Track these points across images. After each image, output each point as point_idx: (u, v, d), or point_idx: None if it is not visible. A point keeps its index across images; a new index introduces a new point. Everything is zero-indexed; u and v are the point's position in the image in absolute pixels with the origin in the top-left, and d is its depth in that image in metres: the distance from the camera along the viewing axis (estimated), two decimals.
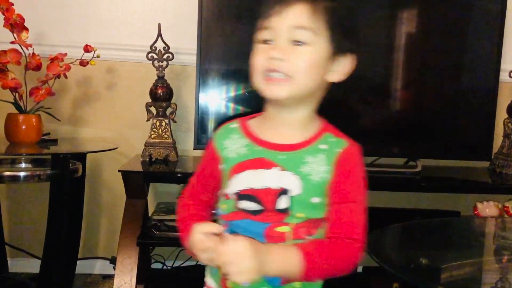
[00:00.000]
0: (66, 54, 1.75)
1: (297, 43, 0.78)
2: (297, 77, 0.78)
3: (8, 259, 1.96)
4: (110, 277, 2.03)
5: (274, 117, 0.84)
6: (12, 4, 1.64)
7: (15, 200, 2.06)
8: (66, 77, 1.77)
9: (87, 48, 1.77)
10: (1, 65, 1.64)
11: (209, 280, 0.89)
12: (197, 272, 2.14)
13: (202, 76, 1.82)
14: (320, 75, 0.81)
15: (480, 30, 1.92)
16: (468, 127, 1.96)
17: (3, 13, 1.63)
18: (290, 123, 0.83)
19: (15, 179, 1.63)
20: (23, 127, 1.71)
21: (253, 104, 1.83)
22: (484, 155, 1.95)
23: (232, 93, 1.84)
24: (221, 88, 1.85)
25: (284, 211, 0.80)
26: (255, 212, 0.81)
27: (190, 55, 1.92)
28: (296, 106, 0.82)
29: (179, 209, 0.93)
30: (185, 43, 1.96)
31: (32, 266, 1.98)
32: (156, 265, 2.09)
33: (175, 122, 1.94)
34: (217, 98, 1.85)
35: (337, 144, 0.82)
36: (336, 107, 1.91)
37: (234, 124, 0.88)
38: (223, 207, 0.86)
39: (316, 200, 0.80)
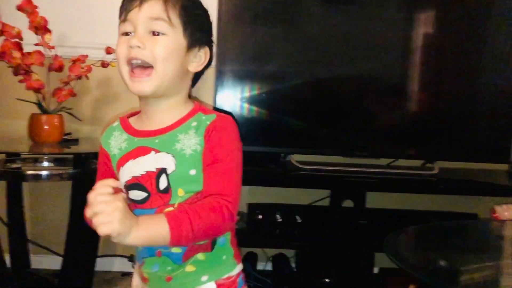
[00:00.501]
0: (87, 56, 1.79)
1: (155, 33, 0.83)
2: (157, 66, 0.83)
3: (30, 255, 2.00)
4: (129, 274, 2.06)
5: (147, 109, 0.90)
6: (36, 7, 1.68)
7: (38, 198, 2.11)
8: (87, 78, 1.80)
9: (108, 50, 1.80)
10: (25, 66, 1.68)
11: (135, 277, 0.98)
12: None
13: (220, 77, 1.84)
14: (179, 64, 0.86)
15: (499, 31, 1.91)
16: (487, 129, 1.94)
17: (28, 16, 1.67)
18: (162, 110, 0.88)
19: (38, 177, 1.67)
20: (46, 127, 1.75)
21: (270, 104, 1.85)
22: (502, 158, 1.93)
23: (249, 94, 1.86)
24: (238, 89, 1.86)
25: (166, 191, 0.84)
26: (142, 201, 0.86)
27: None
28: (164, 95, 0.87)
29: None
30: None
31: (54, 262, 2.02)
32: None
33: None
34: (234, 99, 1.86)
35: (207, 118, 0.87)
36: (353, 108, 1.93)
37: (116, 123, 0.95)
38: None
39: (193, 172, 0.84)
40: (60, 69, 1.77)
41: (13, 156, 1.82)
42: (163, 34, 0.83)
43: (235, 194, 0.83)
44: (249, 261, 1.96)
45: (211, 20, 0.93)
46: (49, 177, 1.65)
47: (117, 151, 0.90)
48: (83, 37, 2.01)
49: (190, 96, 0.93)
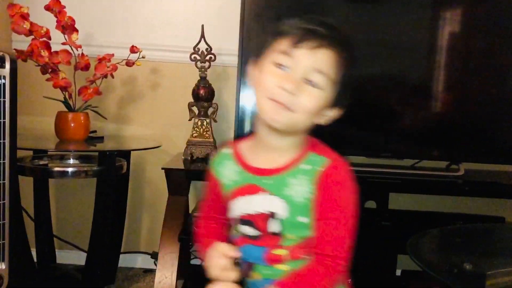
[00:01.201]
0: (113, 55, 1.81)
1: (310, 82, 0.79)
2: (298, 113, 0.79)
3: (56, 250, 2.04)
4: (151, 271, 2.09)
5: (264, 142, 0.86)
6: (64, 7, 1.71)
7: (63, 194, 2.15)
8: (112, 77, 1.83)
9: (133, 49, 1.83)
10: (53, 65, 1.71)
11: None
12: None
13: (243, 77, 1.84)
14: (316, 116, 0.83)
15: None
16: None
17: (55, 16, 1.71)
18: (278, 148, 0.85)
19: (64, 174, 1.70)
20: (72, 124, 1.78)
21: None
22: None
23: None
24: None
25: (277, 234, 0.84)
26: (254, 237, 0.86)
27: (232, 56, 1.94)
28: (287, 135, 0.84)
29: (198, 227, 0.97)
30: (226, 44, 1.99)
31: (78, 258, 2.06)
32: (196, 261, 2.13)
33: (216, 121, 1.98)
34: None
35: (319, 162, 0.82)
36: (376, 108, 1.90)
37: (227, 150, 0.92)
38: (234, 232, 0.91)
39: (304, 220, 0.82)
40: (86, 68, 1.80)
41: (40, 153, 1.86)
42: (319, 87, 0.79)
43: (348, 254, 0.82)
44: None
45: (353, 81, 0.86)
46: (74, 174, 1.68)
47: (229, 182, 0.89)
48: (108, 37, 2.05)
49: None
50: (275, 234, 0.84)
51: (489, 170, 2.04)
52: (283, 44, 0.80)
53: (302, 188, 0.81)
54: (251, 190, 0.85)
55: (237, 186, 0.87)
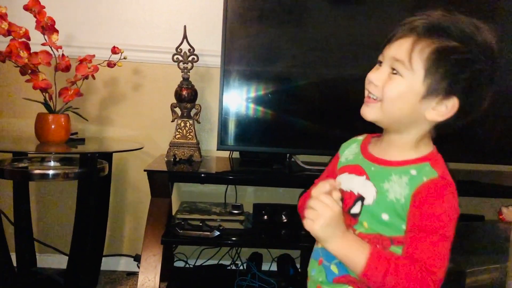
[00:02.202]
0: (94, 56, 1.79)
1: (394, 71, 0.83)
2: (383, 102, 0.83)
3: (36, 254, 2.01)
4: (134, 274, 2.07)
5: (384, 137, 0.91)
6: (44, 7, 1.69)
7: (44, 197, 2.12)
8: (94, 78, 1.81)
9: (114, 50, 1.81)
10: (32, 66, 1.69)
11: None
12: (219, 271, 2.16)
13: (226, 78, 1.84)
14: (408, 107, 0.82)
15: (507, 32, 1.89)
16: (493, 130, 1.93)
17: (35, 16, 1.68)
18: (391, 143, 0.88)
19: (44, 176, 1.67)
20: (52, 126, 1.75)
21: (275, 105, 1.85)
22: (509, 159, 1.92)
23: (255, 94, 1.86)
24: (244, 90, 1.86)
25: (355, 217, 0.86)
26: None
27: (214, 57, 1.94)
28: (393, 131, 0.87)
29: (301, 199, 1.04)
30: (209, 45, 1.99)
31: (60, 261, 2.04)
32: (179, 263, 2.12)
33: (199, 123, 1.97)
34: (240, 99, 1.86)
35: (427, 173, 0.82)
36: (359, 109, 1.92)
37: (361, 137, 0.99)
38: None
39: (385, 216, 0.83)
40: (67, 69, 1.78)
41: (20, 155, 1.83)
42: (400, 75, 0.82)
43: (443, 271, 0.78)
44: (254, 262, 1.96)
45: (476, 67, 0.80)
46: (55, 176, 1.65)
47: (344, 160, 0.96)
48: (89, 37, 2.02)
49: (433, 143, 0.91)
50: (353, 216, 0.86)
51: (469, 169, 2.07)
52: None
53: (399, 189, 0.82)
54: (356, 170, 0.89)
55: (347, 164, 0.93)
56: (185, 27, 1.88)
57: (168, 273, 1.92)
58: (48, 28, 1.70)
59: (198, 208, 1.87)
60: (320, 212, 0.79)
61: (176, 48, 1.88)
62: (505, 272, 1.10)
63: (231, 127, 1.86)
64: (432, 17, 0.86)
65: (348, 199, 0.88)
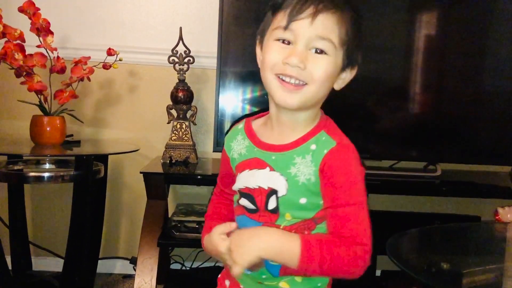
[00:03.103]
0: (89, 58, 1.79)
1: (317, 51, 0.77)
2: (311, 85, 0.78)
3: (32, 257, 2.00)
4: (130, 276, 2.06)
5: (277, 119, 0.85)
6: (39, 9, 1.68)
7: (39, 200, 2.11)
8: (89, 80, 1.80)
9: (110, 52, 1.80)
10: (27, 68, 1.68)
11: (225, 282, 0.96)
12: (216, 273, 2.15)
13: (222, 79, 1.84)
14: (331, 84, 0.82)
15: (501, 32, 1.90)
16: (489, 130, 1.94)
17: (30, 18, 1.67)
18: (291, 125, 0.84)
19: (40, 179, 1.67)
20: (48, 128, 1.74)
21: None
22: (505, 159, 1.93)
23: (251, 96, 1.86)
24: (240, 91, 1.86)
25: (274, 212, 0.82)
26: (251, 210, 0.85)
27: (210, 58, 1.94)
28: (300, 110, 0.82)
29: (209, 204, 1.00)
30: (205, 46, 1.99)
31: (55, 264, 2.03)
32: (175, 266, 2.11)
33: (195, 124, 1.97)
34: (236, 101, 1.86)
35: (326, 144, 0.80)
36: (355, 110, 1.92)
37: (241, 125, 0.92)
38: (234, 200, 0.92)
39: (303, 200, 0.81)
40: (62, 71, 1.77)
41: (15, 158, 1.82)
42: (325, 54, 0.77)
43: (370, 238, 0.77)
44: None
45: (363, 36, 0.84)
46: (50, 179, 1.64)
47: (237, 156, 0.89)
48: (85, 39, 2.02)
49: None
50: (272, 212, 0.82)
51: (465, 170, 2.08)
52: (281, 18, 0.78)
53: (305, 169, 0.80)
54: (256, 164, 0.84)
55: (243, 159, 0.87)
56: (181, 28, 1.88)
57: (164, 275, 1.92)
58: (43, 30, 1.70)
59: (195, 210, 1.87)
60: (233, 259, 0.77)
61: (172, 50, 1.88)
62: (502, 273, 1.11)
63: (227, 129, 1.86)
64: None
65: (259, 196, 0.83)
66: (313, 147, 0.80)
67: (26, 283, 1.92)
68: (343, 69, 0.82)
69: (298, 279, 0.84)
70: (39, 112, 1.76)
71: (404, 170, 1.93)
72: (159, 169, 1.77)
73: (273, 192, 0.82)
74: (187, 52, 1.88)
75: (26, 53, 1.68)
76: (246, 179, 0.85)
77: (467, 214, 1.97)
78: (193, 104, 1.93)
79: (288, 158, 0.81)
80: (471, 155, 1.94)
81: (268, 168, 0.82)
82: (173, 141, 1.90)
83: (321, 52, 0.77)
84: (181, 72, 1.89)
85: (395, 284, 1.88)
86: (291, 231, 0.81)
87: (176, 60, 1.88)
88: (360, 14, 0.82)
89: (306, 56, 0.77)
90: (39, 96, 1.74)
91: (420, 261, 1.14)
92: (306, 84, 0.78)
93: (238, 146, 0.89)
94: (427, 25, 1.90)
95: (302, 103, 0.79)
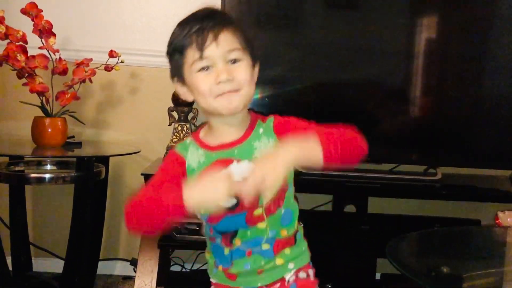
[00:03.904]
0: (91, 59, 1.79)
1: (233, 61, 0.88)
2: (243, 89, 0.88)
3: (32, 258, 2.00)
4: (130, 278, 2.06)
5: (219, 125, 0.93)
6: (41, 11, 1.69)
7: (40, 201, 2.11)
8: (91, 81, 1.81)
9: (111, 54, 1.81)
10: (29, 69, 1.69)
11: (214, 280, 1.02)
12: None
13: None
14: (254, 82, 0.93)
15: (503, 36, 1.90)
16: (490, 134, 1.94)
17: (32, 19, 1.68)
18: (234, 124, 0.93)
19: (41, 180, 1.68)
20: (49, 130, 1.75)
21: (272, 109, 1.85)
22: (506, 163, 1.93)
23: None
24: None
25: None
26: (232, 207, 0.86)
27: None
28: (244, 109, 0.92)
29: (142, 198, 0.87)
30: None
31: (55, 265, 2.03)
32: (175, 268, 2.11)
33: (196, 126, 1.97)
34: None
35: (268, 122, 0.94)
36: (355, 113, 1.92)
37: (188, 140, 0.97)
38: (201, 212, 0.91)
39: None
40: (64, 72, 1.77)
41: (16, 159, 1.83)
42: (239, 60, 0.89)
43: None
44: None
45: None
46: (51, 180, 1.65)
47: (196, 165, 0.92)
48: (87, 41, 2.02)
49: None
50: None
51: (466, 174, 2.08)
52: (192, 54, 0.88)
53: (266, 146, 0.90)
54: (222, 164, 0.87)
55: (205, 166, 0.91)
56: None
57: (164, 277, 1.91)
58: (45, 31, 1.70)
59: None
60: (266, 183, 0.79)
61: None
62: (502, 277, 1.11)
63: None
64: (210, 12, 0.92)
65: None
66: (261, 130, 0.93)
67: (26, 284, 1.92)
68: (253, 66, 0.93)
69: (287, 251, 0.95)
70: (40, 114, 1.77)
71: (404, 173, 1.93)
72: None
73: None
74: None
75: (28, 54, 1.69)
76: None
77: (467, 218, 1.97)
78: (194, 106, 1.93)
79: (248, 147, 0.91)
80: (472, 159, 1.94)
81: (235, 162, 0.85)
82: (174, 143, 1.90)
83: (235, 61, 0.89)
84: None
85: (395, 287, 1.88)
86: (271, 206, 0.91)
87: None
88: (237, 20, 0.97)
89: (228, 69, 0.87)
90: (41, 97, 1.75)
91: (420, 264, 1.14)
92: (239, 89, 0.88)
93: (193, 156, 0.93)
94: (427, 29, 1.90)
95: (243, 104, 0.90)
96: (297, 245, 0.98)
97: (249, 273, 0.94)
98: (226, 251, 0.95)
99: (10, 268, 1.83)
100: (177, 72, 0.93)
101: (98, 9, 2.05)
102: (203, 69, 0.88)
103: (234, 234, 0.93)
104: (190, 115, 1.94)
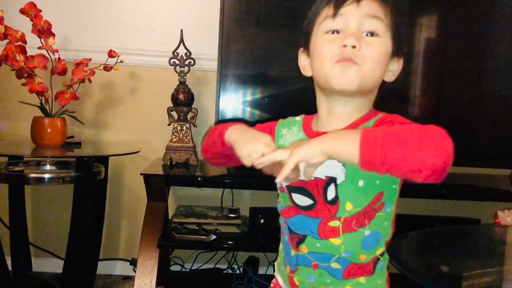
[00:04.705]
0: (90, 59, 1.79)
1: (369, 33, 0.78)
2: (364, 65, 0.76)
3: (32, 258, 2.00)
4: (130, 278, 2.07)
5: (332, 107, 0.83)
6: (40, 11, 1.69)
7: (40, 201, 2.11)
8: (90, 81, 1.81)
9: (111, 54, 1.81)
10: (28, 69, 1.68)
11: (278, 277, 0.93)
12: (215, 275, 2.16)
13: (223, 82, 1.84)
14: (383, 70, 0.81)
15: (502, 35, 1.90)
16: (489, 134, 1.94)
17: (31, 20, 1.68)
18: (346, 112, 0.82)
19: (40, 180, 1.67)
20: (49, 130, 1.75)
21: (272, 108, 1.85)
22: (505, 163, 1.93)
23: (251, 98, 1.86)
24: (241, 93, 1.87)
25: (334, 203, 0.79)
26: (307, 208, 0.82)
27: (211, 60, 1.94)
28: (355, 96, 0.80)
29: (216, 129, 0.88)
30: (206, 48, 1.99)
31: (55, 266, 2.03)
32: (175, 267, 2.11)
33: (196, 126, 1.97)
34: (236, 103, 1.87)
35: (374, 119, 0.81)
36: None
37: (299, 118, 0.90)
38: (280, 201, 0.88)
39: (361, 183, 0.78)
40: (63, 72, 1.77)
41: (15, 159, 1.83)
42: (377, 35, 0.78)
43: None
44: (250, 265, 1.96)
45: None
46: (51, 180, 1.65)
47: (285, 143, 0.86)
48: (86, 41, 2.02)
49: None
50: (332, 203, 0.79)
51: (465, 173, 2.08)
52: (324, 12, 0.80)
53: None
54: None
55: None
56: (181, 31, 1.88)
57: (164, 277, 1.92)
58: (44, 31, 1.70)
59: (195, 212, 1.87)
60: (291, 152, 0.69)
61: (173, 52, 1.88)
62: (501, 276, 1.11)
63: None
64: None
65: (315, 187, 0.80)
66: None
67: (26, 284, 1.92)
68: (392, 56, 0.81)
69: (362, 280, 0.82)
70: (40, 114, 1.77)
71: None
72: (160, 171, 1.77)
73: (331, 180, 0.79)
74: (188, 54, 1.88)
75: (28, 54, 1.68)
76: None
77: (466, 217, 1.97)
78: (193, 106, 1.93)
79: None
80: (471, 158, 1.94)
81: None
82: (173, 143, 1.90)
83: (372, 34, 0.78)
84: (182, 74, 1.90)
85: (397, 286, 1.88)
86: (352, 222, 0.79)
87: (177, 62, 1.89)
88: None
89: (359, 38, 0.77)
90: (40, 97, 1.75)
91: (420, 264, 1.14)
92: (361, 64, 0.77)
93: (290, 136, 0.87)
94: (427, 28, 1.90)
95: (359, 82, 0.77)
96: (374, 277, 0.84)
97: (313, 286, 0.84)
98: (293, 252, 0.86)
99: (10, 269, 1.83)
100: (305, 40, 0.84)
101: (97, 9, 2.05)
102: (332, 32, 0.79)
103: (302, 239, 0.83)
104: (190, 115, 1.94)
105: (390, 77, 0.84)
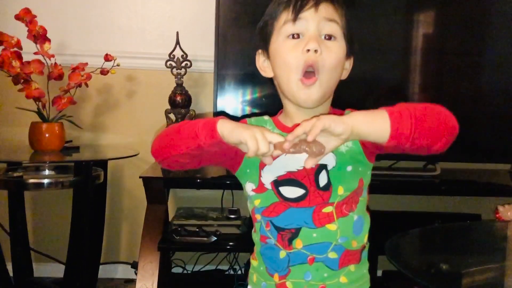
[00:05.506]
0: (87, 64, 1.79)
1: (327, 36, 0.80)
2: (322, 75, 0.78)
3: (33, 263, 2.00)
4: (132, 281, 2.06)
5: (295, 115, 0.85)
6: (35, 16, 1.69)
7: (39, 206, 2.11)
8: (87, 85, 1.80)
9: (107, 57, 1.81)
10: (25, 75, 1.68)
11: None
12: (217, 276, 2.16)
13: (220, 83, 1.84)
14: (340, 73, 0.84)
15: (500, 31, 1.90)
16: (489, 129, 1.93)
17: (26, 25, 1.68)
18: (310, 114, 0.82)
19: (39, 186, 1.67)
20: (46, 135, 1.75)
21: (270, 109, 1.84)
22: (505, 158, 1.93)
23: (249, 99, 1.86)
24: (238, 94, 1.86)
25: (327, 188, 0.81)
26: (298, 199, 0.81)
27: (208, 62, 1.94)
28: (319, 105, 0.83)
29: (174, 128, 0.86)
30: (202, 50, 1.99)
31: (57, 270, 2.02)
32: (177, 270, 2.11)
33: None
34: (234, 104, 1.86)
35: (346, 114, 0.83)
36: (353, 110, 1.92)
37: (266, 117, 0.91)
38: (256, 203, 0.84)
39: (349, 168, 0.82)
40: (59, 77, 1.77)
41: (14, 165, 1.83)
42: (334, 38, 0.80)
43: None
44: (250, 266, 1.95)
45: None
46: (50, 185, 1.65)
47: None
48: (82, 45, 2.02)
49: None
50: (324, 189, 0.81)
51: (465, 169, 2.08)
52: (283, 16, 0.81)
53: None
54: None
55: None
56: (177, 33, 1.88)
57: (166, 279, 1.91)
58: (40, 37, 1.70)
59: (195, 213, 1.87)
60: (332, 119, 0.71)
61: (169, 54, 1.88)
62: (503, 271, 1.10)
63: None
64: None
65: (305, 177, 0.81)
66: None
67: None
68: (346, 55, 0.84)
69: (352, 268, 0.84)
70: (37, 119, 1.76)
71: (403, 169, 1.93)
72: (159, 174, 1.77)
73: (321, 167, 0.81)
74: (184, 56, 1.88)
75: (24, 60, 1.68)
76: (285, 164, 0.81)
77: (467, 212, 1.96)
78: (191, 108, 1.93)
79: None
80: (471, 154, 1.93)
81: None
82: None
83: (330, 37, 0.80)
84: (179, 76, 1.89)
85: (397, 285, 1.88)
86: (343, 207, 0.81)
87: (174, 64, 1.89)
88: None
89: (320, 41, 0.79)
90: (37, 103, 1.75)
91: (419, 262, 1.14)
92: (319, 73, 0.79)
93: None
94: (425, 25, 1.90)
95: (320, 96, 0.80)
96: (361, 265, 0.86)
97: (311, 285, 0.82)
98: (283, 254, 0.83)
99: (11, 274, 1.82)
100: (263, 42, 0.85)
101: (93, 13, 2.04)
102: (293, 36, 0.80)
103: (296, 233, 0.81)
104: (187, 117, 1.93)
105: (344, 75, 0.87)
